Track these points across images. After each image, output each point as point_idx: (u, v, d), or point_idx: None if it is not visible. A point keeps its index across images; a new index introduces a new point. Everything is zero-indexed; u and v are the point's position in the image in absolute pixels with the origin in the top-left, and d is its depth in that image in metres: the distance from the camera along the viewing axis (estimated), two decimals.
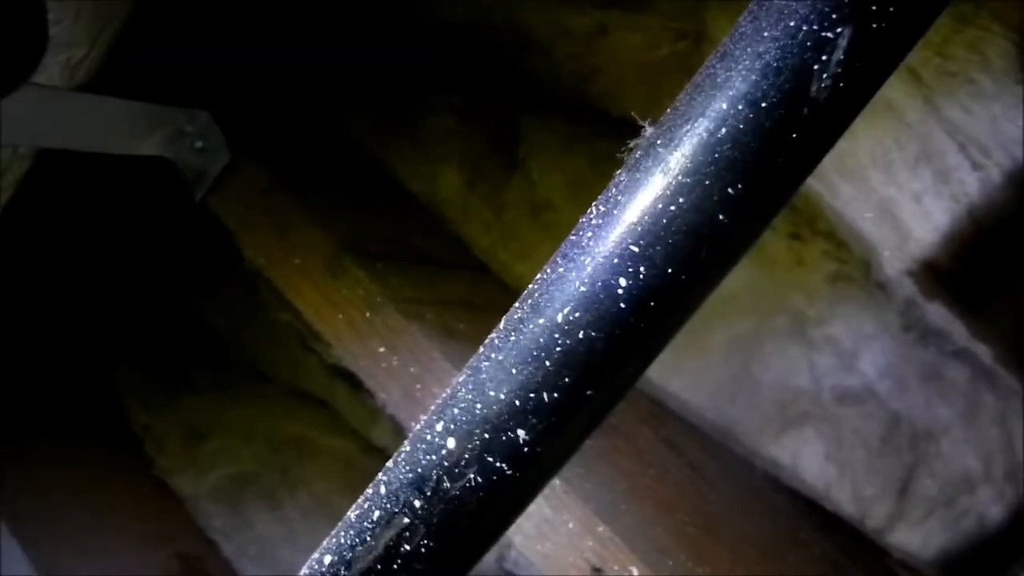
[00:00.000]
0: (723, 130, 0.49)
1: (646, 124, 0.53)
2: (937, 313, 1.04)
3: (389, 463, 0.54)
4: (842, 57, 0.50)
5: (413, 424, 0.87)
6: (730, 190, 0.49)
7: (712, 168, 0.49)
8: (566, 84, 1.21)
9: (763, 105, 0.49)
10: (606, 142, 1.20)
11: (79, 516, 1.08)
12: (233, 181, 0.99)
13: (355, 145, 1.27)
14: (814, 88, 0.50)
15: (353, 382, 0.91)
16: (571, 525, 0.81)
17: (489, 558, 1.12)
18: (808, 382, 1.10)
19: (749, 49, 0.51)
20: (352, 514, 0.54)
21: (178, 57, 1.02)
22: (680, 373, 1.12)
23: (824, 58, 0.50)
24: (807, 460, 1.10)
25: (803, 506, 1.14)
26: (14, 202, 0.93)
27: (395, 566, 0.52)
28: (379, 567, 0.52)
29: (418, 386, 0.86)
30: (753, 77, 0.50)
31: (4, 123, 0.76)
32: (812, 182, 1.02)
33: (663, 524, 0.92)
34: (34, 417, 1.15)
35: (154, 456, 1.31)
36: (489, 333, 0.54)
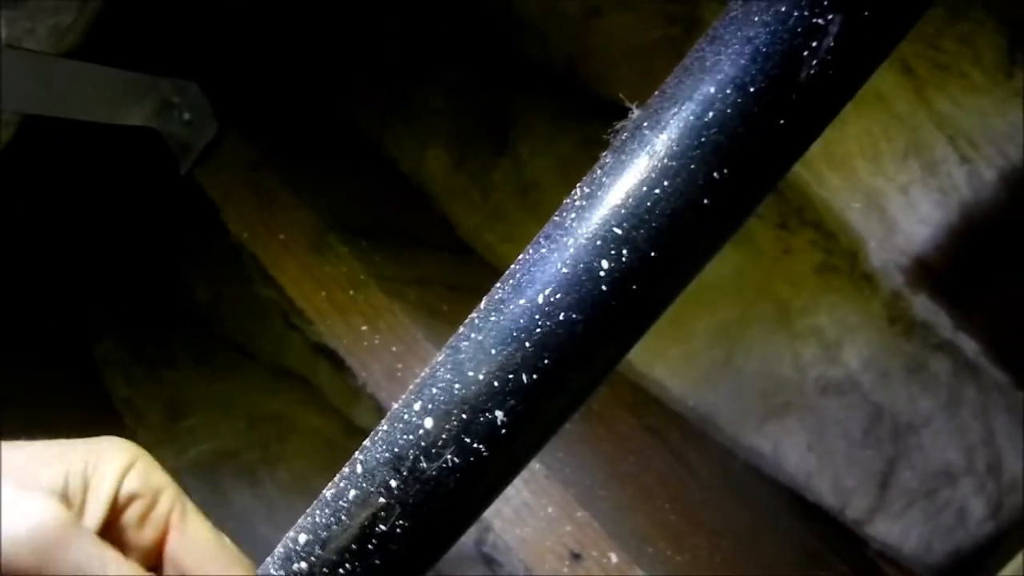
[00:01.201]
0: (710, 114, 0.49)
1: (633, 106, 0.53)
2: (922, 305, 1.04)
3: (367, 442, 0.54)
4: (832, 44, 0.49)
5: (393, 404, 0.87)
6: (715, 175, 0.49)
7: (698, 152, 0.49)
8: (559, 66, 1.20)
9: (751, 90, 0.49)
10: (596, 124, 1.18)
11: None
12: (220, 154, 0.98)
13: (345, 121, 1.26)
14: (803, 74, 0.49)
15: (335, 360, 0.90)
16: (550, 510, 0.81)
17: (468, 541, 1.12)
18: (791, 372, 1.10)
19: (739, 33, 0.50)
20: (328, 493, 0.54)
21: (167, 26, 1.01)
22: (663, 360, 1.12)
23: (814, 44, 0.49)
24: (788, 450, 1.10)
25: (783, 495, 1.14)
26: None
27: (370, 546, 0.52)
28: (354, 547, 0.52)
29: (399, 365, 0.86)
30: (742, 61, 0.49)
31: None
32: (800, 170, 1.02)
33: (643, 511, 0.92)
34: (10, 386, 1.14)
35: (134, 429, 1.30)
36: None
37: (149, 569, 0.50)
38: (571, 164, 1.17)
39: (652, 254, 0.49)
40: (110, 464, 0.50)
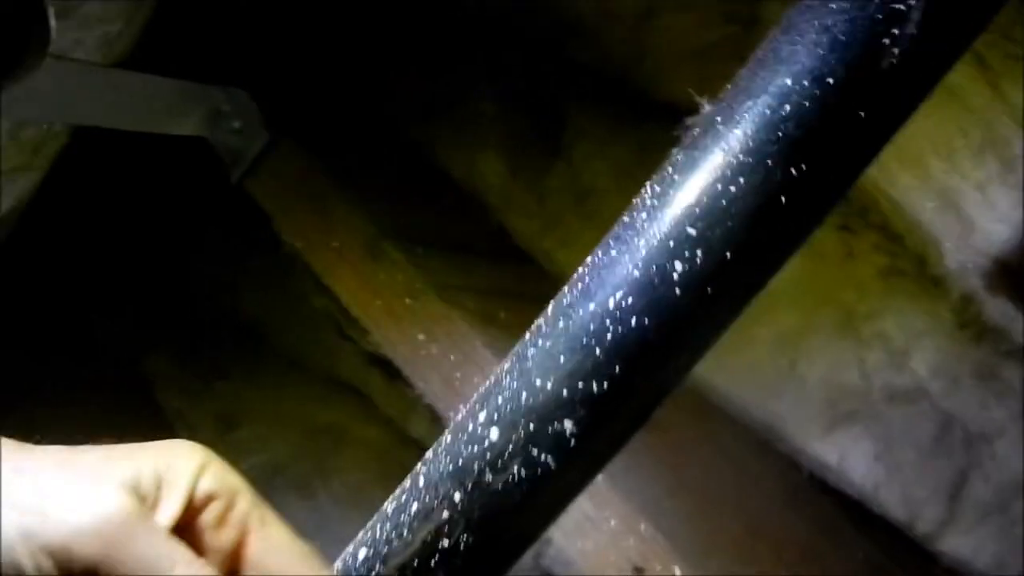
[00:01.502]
0: (787, 107, 0.47)
1: (703, 101, 0.51)
2: (997, 309, 1.00)
3: (428, 454, 0.52)
4: (914, 31, 0.47)
5: (452, 414, 0.85)
6: (793, 171, 0.46)
7: (775, 147, 0.46)
8: (612, 69, 1.18)
9: (829, 81, 0.46)
10: (652, 128, 1.17)
11: None
12: (271, 163, 0.97)
13: (397, 129, 1.25)
14: (884, 63, 0.47)
15: (390, 370, 0.89)
16: (613, 522, 0.78)
17: (526, 554, 1.09)
18: (857, 379, 1.07)
19: (816, 22, 0.48)
20: (388, 506, 0.52)
21: (216, 34, 0.99)
22: (725, 367, 1.09)
23: (895, 31, 0.47)
24: (855, 460, 1.06)
25: (847, 507, 1.11)
26: (48, 181, 0.91)
27: (433, 562, 0.50)
28: (416, 563, 0.50)
29: (458, 375, 0.84)
30: (819, 51, 0.47)
31: (38, 100, 0.74)
32: (869, 170, 0.99)
33: (706, 522, 0.89)
34: (63, 399, 1.14)
35: None
36: (531, 322, 0.51)
37: (227, 574, 0.49)
38: (627, 169, 1.15)
39: (728, 255, 0.47)
40: (185, 464, 0.49)
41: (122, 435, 0.56)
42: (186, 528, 0.48)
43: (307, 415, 1.34)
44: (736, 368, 1.10)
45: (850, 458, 1.07)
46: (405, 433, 1.31)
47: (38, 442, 0.48)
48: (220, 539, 0.49)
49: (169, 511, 0.47)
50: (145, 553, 0.44)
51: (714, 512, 0.93)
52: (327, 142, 1.01)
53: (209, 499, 0.49)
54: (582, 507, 0.78)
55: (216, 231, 1.31)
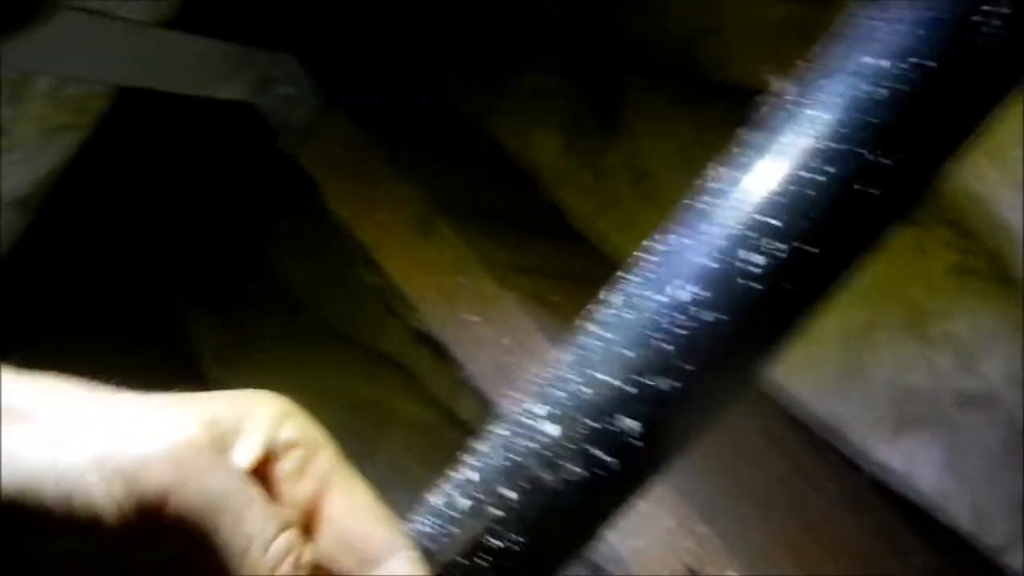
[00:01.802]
0: (882, 91, 0.43)
1: (779, 80, 0.47)
2: None
3: (482, 446, 0.49)
4: (1007, 10, 0.43)
5: (500, 398, 0.82)
6: (886, 160, 0.43)
7: (867, 134, 0.43)
8: (674, 46, 1.14)
9: (930, 64, 0.43)
10: (713, 109, 1.13)
11: None
12: (321, 132, 0.94)
13: (449, 100, 1.21)
14: (979, 42, 0.43)
15: (437, 348, 0.86)
16: (667, 522, 0.75)
17: None
18: (926, 382, 1.02)
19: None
20: (436, 500, 0.49)
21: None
22: (788, 363, 1.04)
23: (991, 10, 0.43)
24: (923, 467, 1.02)
25: (908, 513, 1.06)
26: (91, 141, 0.89)
27: (482, 561, 0.47)
28: (464, 562, 0.47)
29: (510, 359, 0.80)
30: (919, 31, 0.43)
31: (81, 58, 0.72)
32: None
33: (763, 524, 0.86)
34: (103, 363, 1.12)
35: None
36: (585, 306, 0.48)
37: (302, 528, 0.46)
38: (688, 150, 1.11)
39: (812, 249, 0.43)
40: (264, 410, 0.47)
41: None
42: (262, 476, 0.46)
43: (350, 390, 1.32)
44: (800, 364, 1.06)
45: (918, 465, 1.02)
46: (452, 413, 1.28)
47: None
48: (297, 491, 0.47)
49: (246, 454, 0.45)
50: (218, 487, 0.43)
51: (771, 514, 0.89)
52: (378, 111, 0.98)
53: (288, 449, 0.47)
54: (637, 504, 0.74)
55: (262, 198, 1.29)
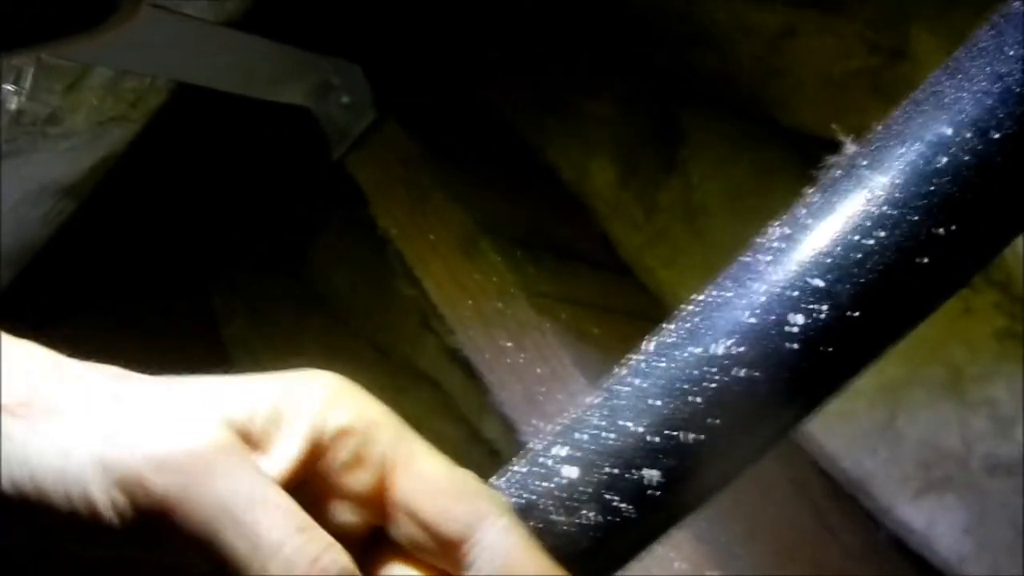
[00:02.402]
0: (943, 159, 0.42)
1: (848, 140, 0.46)
2: None
3: (498, 480, 0.48)
4: None
5: (527, 428, 0.81)
6: (941, 230, 0.42)
7: (924, 201, 0.42)
8: (739, 85, 1.13)
9: (995, 136, 0.42)
10: (773, 152, 1.11)
11: None
12: (374, 144, 0.94)
13: (505, 122, 1.21)
14: None
15: (470, 371, 0.85)
16: (679, 565, 0.74)
17: None
18: (957, 444, 1.01)
19: (988, 68, 0.43)
20: None
21: (333, 4, 0.97)
22: (820, 414, 1.03)
23: None
24: (943, 529, 1.00)
25: (925, 573, 1.05)
26: (145, 135, 0.89)
27: None
28: None
29: (542, 389, 0.80)
30: (988, 101, 0.42)
31: (141, 51, 0.72)
32: None
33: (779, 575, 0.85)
34: (141, 358, 1.12)
35: None
36: (625, 341, 0.47)
37: (374, 520, 0.44)
38: (744, 191, 1.09)
39: (855, 313, 0.42)
40: (309, 395, 0.43)
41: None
42: (314, 470, 0.43)
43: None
44: (831, 415, 1.04)
45: (938, 526, 1.01)
46: (479, 432, 1.27)
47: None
48: (356, 481, 0.43)
49: (288, 452, 0.42)
50: (225, 491, 0.39)
51: (787, 564, 0.88)
52: (434, 130, 0.98)
53: (341, 437, 0.43)
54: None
55: (309, 204, 1.29)
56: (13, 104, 0.74)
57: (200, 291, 1.32)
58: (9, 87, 0.73)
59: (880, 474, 1.02)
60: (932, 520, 1.01)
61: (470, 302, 0.84)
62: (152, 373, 0.44)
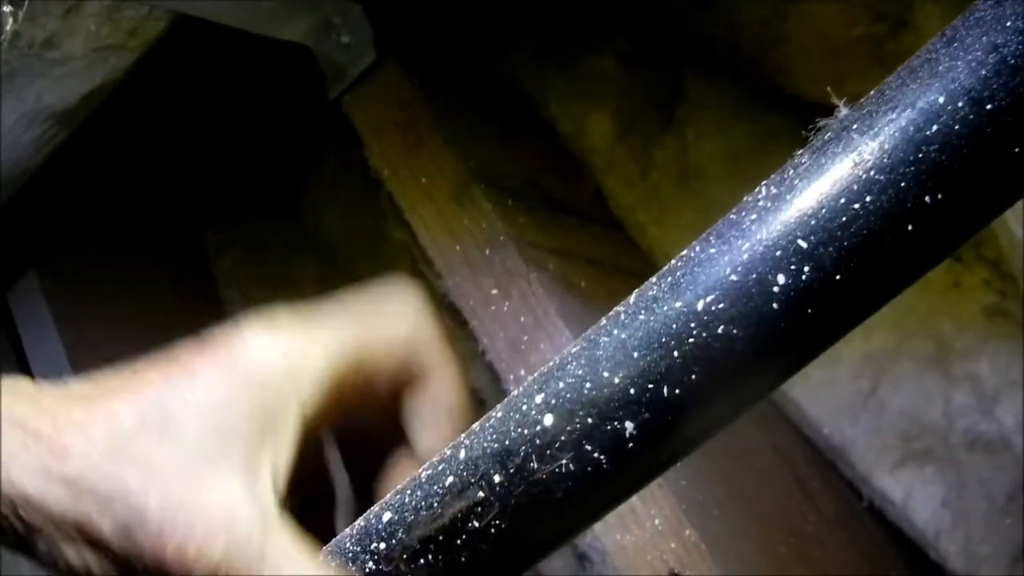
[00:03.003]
0: (934, 127, 0.42)
1: (841, 104, 0.46)
2: None
3: (475, 426, 0.48)
4: None
5: (511, 377, 0.82)
6: (927, 198, 0.42)
7: (912, 168, 0.42)
8: (742, 50, 1.12)
9: (988, 106, 0.42)
10: (773, 118, 1.11)
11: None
12: (372, 85, 0.93)
13: (505, 71, 1.20)
14: None
15: (459, 319, 0.85)
16: (657, 522, 0.74)
17: None
18: (939, 418, 1.01)
19: (984, 38, 0.43)
20: (423, 473, 0.49)
21: None
22: (804, 379, 1.04)
23: None
24: (920, 501, 1.01)
25: (902, 546, 1.06)
26: (140, 66, 0.88)
27: (458, 540, 0.47)
28: (440, 538, 0.47)
29: (525, 338, 0.80)
30: (983, 72, 0.42)
31: None
32: None
33: (754, 537, 0.85)
34: (127, 289, 1.12)
35: None
36: (611, 295, 0.48)
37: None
38: (740, 156, 1.09)
39: (837, 277, 0.42)
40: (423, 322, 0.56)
41: (183, 332, 0.54)
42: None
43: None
44: (815, 382, 1.05)
45: (916, 498, 1.01)
46: (466, 380, 1.27)
47: None
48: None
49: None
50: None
51: (764, 527, 0.89)
52: (432, 75, 0.97)
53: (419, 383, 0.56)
54: (630, 500, 0.74)
55: (304, 142, 1.28)
56: (9, 25, 0.73)
57: (192, 226, 1.32)
58: (7, 8, 0.72)
59: (861, 443, 1.03)
60: (910, 492, 1.02)
61: (458, 248, 0.84)
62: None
